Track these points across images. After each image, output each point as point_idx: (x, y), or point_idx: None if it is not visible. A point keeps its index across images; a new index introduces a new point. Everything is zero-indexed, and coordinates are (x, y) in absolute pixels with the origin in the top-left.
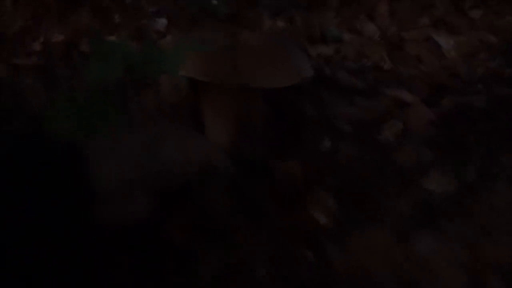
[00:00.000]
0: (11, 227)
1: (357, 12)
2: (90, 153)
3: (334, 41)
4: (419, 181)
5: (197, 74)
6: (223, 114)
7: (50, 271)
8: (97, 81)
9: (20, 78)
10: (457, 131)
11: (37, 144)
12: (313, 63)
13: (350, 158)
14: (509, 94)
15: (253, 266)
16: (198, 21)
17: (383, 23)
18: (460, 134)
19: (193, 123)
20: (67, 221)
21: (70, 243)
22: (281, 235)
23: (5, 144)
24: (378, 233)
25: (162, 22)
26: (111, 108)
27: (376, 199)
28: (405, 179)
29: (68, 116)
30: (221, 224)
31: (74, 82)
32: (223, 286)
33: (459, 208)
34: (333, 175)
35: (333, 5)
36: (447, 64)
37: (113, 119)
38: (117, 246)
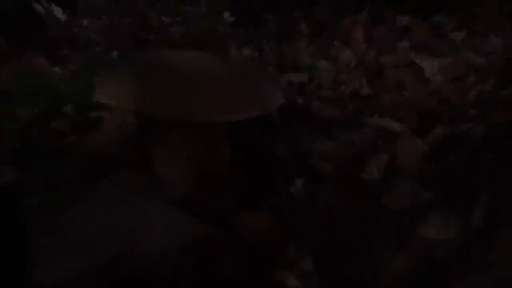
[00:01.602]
0: None
1: (332, 40)
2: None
3: (307, 69)
4: (416, 229)
5: (143, 106)
6: (176, 158)
7: None
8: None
9: None
10: (455, 165)
11: None
12: (284, 91)
13: (331, 205)
14: (505, 119)
15: None
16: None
17: (360, 49)
18: (459, 169)
19: (141, 169)
20: None
21: None
22: None
23: None
24: None
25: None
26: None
27: (364, 257)
28: (399, 228)
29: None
30: None
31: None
32: None
33: (466, 260)
34: (311, 229)
35: (306, 34)
36: (433, 89)
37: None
38: None
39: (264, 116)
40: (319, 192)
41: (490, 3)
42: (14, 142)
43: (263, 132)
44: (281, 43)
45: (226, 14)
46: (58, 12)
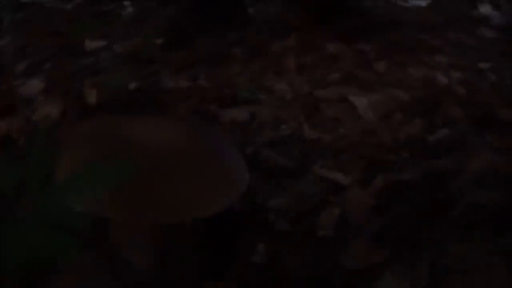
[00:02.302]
0: None
1: (264, 67)
2: None
3: (246, 103)
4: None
5: (104, 209)
6: (137, 240)
7: None
8: None
9: None
10: (397, 218)
11: None
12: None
13: (292, 269)
14: (437, 167)
15: None
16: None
17: (294, 80)
18: (401, 222)
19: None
20: None
21: None
22: None
23: None
24: None
25: (34, 84)
26: None
27: None
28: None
29: None
30: None
31: None
32: None
33: None
34: None
35: (238, 58)
36: (367, 129)
37: None
38: None
39: None
40: (280, 255)
41: (407, 33)
42: None
43: None
44: (215, 69)
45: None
46: None
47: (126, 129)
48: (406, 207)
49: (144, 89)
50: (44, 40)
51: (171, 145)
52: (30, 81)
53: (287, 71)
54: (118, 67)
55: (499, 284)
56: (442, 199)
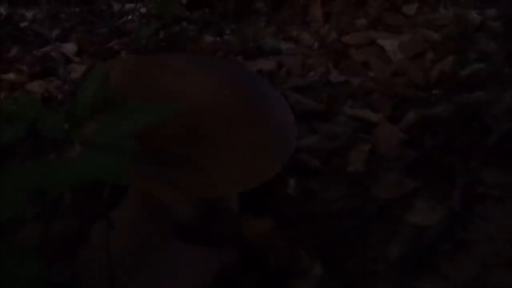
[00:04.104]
0: None
1: (290, 18)
2: None
3: (272, 53)
4: (404, 216)
5: (138, 182)
6: (178, 195)
7: None
8: None
9: None
10: (430, 150)
11: None
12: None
13: (326, 202)
14: (470, 101)
15: None
16: (109, 43)
17: (321, 29)
18: (434, 154)
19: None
20: None
21: None
22: None
23: None
24: None
25: (69, 47)
26: None
27: (363, 249)
28: (389, 216)
29: None
30: None
31: None
32: None
33: (453, 242)
34: (310, 228)
35: (262, 12)
36: (397, 69)
37: None
38: None
39: None
40: (312, 190)
41: None
42: None
43: None
44: (240, 24)
45: None
46: None
47: (157, 71)
48: (438, 140)
49: (171, 43)
50: (74, 7)
51: (210, 94)
52: (64, 45)
53: (313, 20)
54: (146, 26)
55: None
56: (476, 130)
